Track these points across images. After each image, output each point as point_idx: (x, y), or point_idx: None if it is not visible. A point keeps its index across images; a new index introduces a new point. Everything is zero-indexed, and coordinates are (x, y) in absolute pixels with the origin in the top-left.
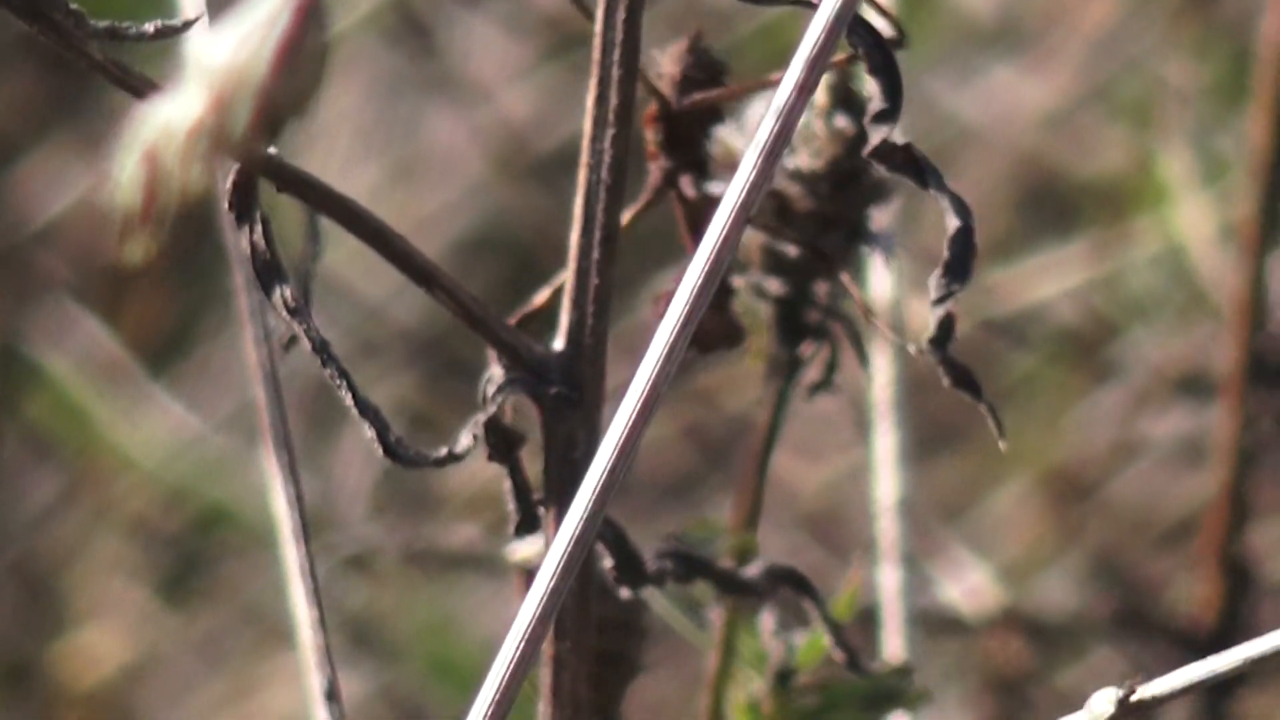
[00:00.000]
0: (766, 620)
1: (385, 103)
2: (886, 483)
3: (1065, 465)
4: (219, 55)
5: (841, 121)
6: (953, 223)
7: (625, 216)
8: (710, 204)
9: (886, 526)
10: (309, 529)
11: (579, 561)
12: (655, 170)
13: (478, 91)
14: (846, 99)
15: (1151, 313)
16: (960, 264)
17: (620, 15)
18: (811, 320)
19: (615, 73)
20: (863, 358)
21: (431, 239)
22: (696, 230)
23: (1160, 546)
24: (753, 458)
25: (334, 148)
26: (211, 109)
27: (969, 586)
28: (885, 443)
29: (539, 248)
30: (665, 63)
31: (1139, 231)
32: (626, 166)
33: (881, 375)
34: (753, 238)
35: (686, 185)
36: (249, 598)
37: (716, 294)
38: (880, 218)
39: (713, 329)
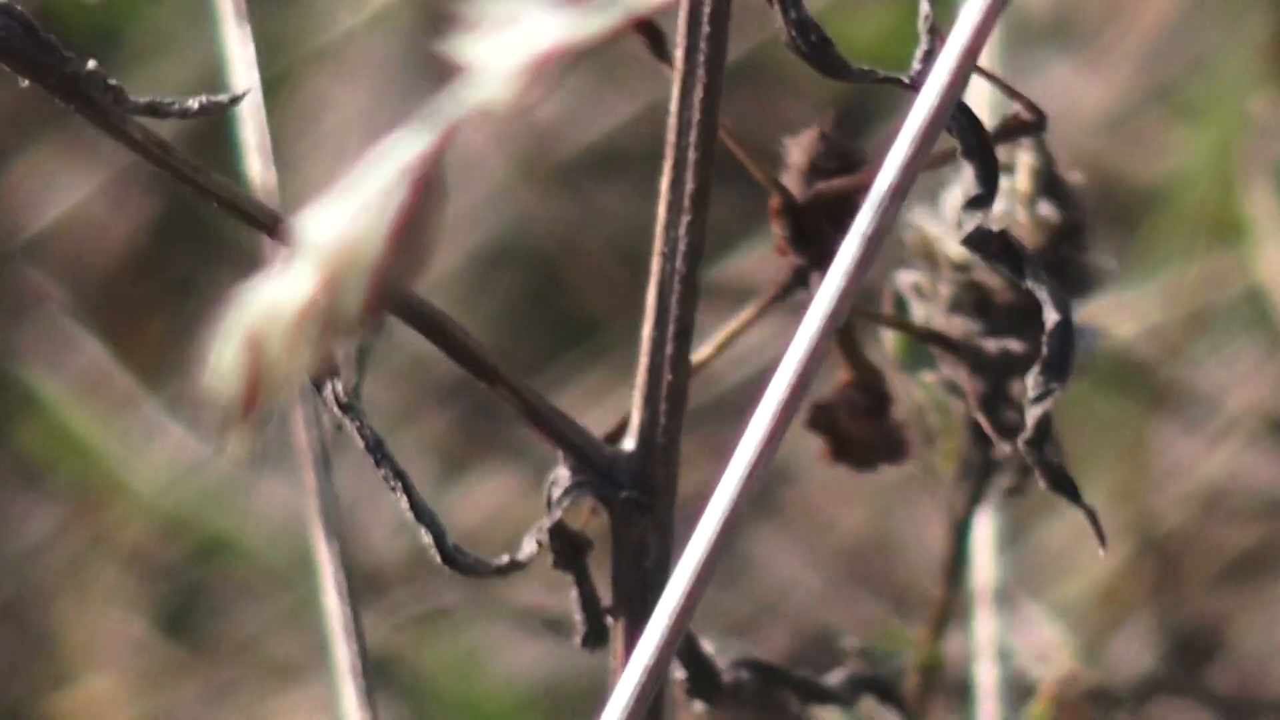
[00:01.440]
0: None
1: (400, 103)
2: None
3: (1143, 510)
4: (331, 231)
5: (1046, 209)
6: (1051, 317)
7: (744, 316)
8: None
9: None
10: (356, 594)
11: (653, 692)
12: (784, 267)
13: None
14: (1051, 185)
15: (1227, 348)
16: (1059, 361)
17: (697, 95)
18: (1009, 420)
19: (692, 155)
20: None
21: (451, 248)
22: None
23: (1233, 595)
24: (944, 567)
25: (345, 151)
26: (323, 289)
27: (1037, 644)
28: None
29: (563, 257)
30: (793, 152)
31: (1216, 258)
32: (702, 255)
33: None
34: (946, 330)
35: (816, 283)
36: (253, 632)
37: (873, 402)
38: (1084, 311)
39: (869, 440)
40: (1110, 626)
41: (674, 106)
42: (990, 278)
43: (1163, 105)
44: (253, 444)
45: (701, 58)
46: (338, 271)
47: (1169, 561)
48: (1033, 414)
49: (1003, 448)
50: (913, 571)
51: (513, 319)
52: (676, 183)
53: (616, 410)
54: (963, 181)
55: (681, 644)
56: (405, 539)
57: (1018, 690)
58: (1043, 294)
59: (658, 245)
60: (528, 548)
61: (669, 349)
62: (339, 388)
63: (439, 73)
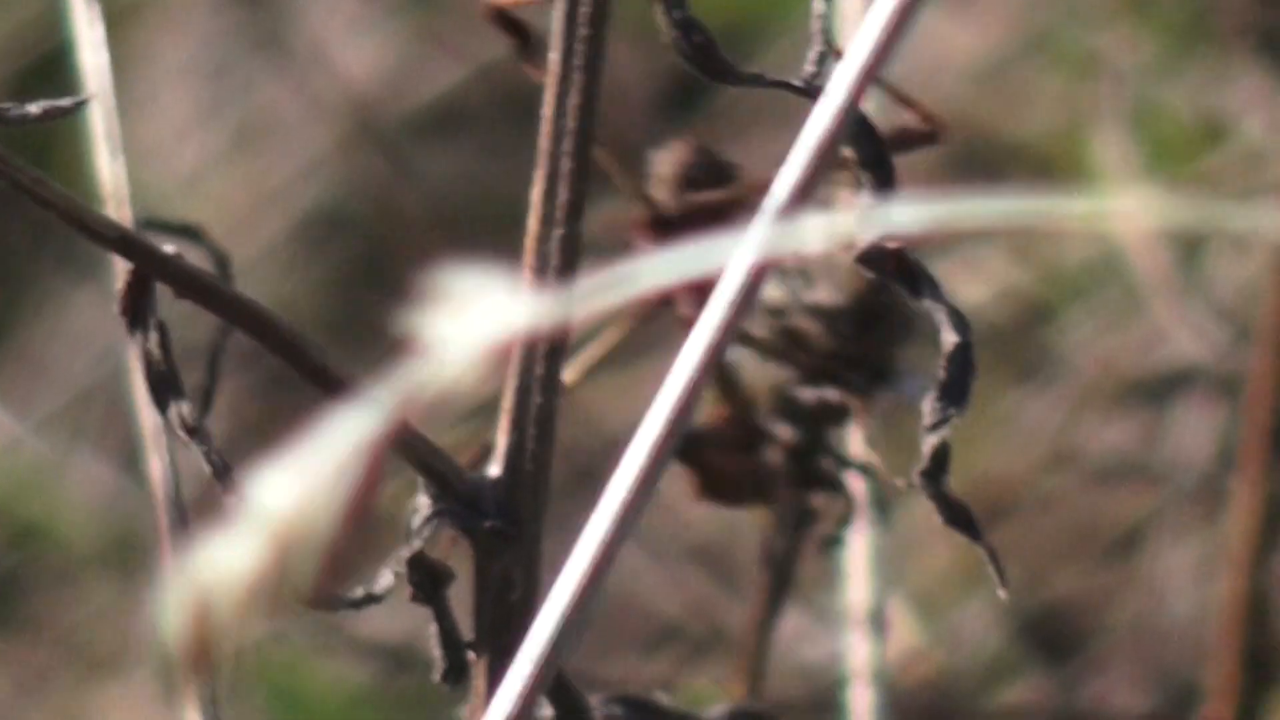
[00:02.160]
0: None
1: (220, 65)
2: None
3: (986, 479)
4: (281, 502)
5: None
6: (950, 339)
7: (614, 333)
8: None
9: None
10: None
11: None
12: None
13: (319, 52)
14: None
15: (1082, 309)
16: (958, 386)
17: (573, 101)
18: (825, 470)
19: (566, 165)
20: (882, 515)
21: (276, 215)
22: None
23: (1094, 567)
24: (755, 619)
25: (166, 116)
26: (272, 560)
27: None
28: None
29: (391, 225)
30: (660, 163)
31: (1069, 221)
32: (576, 270)
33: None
34: (763, 379)
35: (685, 301)
36: (69, 621)
37: (745, 438)
38: (907, 357)
39: (738, 478)
40: (960, 607)
41: (548, 112)
42: (807, 324)
43: (1037, 56)
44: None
45: (578, 61)
46: (288, 544)
47: (1022, 530)
48: (929, 443)
49: (819, 498)
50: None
51: (339, 287)
52: (549, 194)
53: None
54: (858, 195)
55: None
56: None
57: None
58: (941, 315)
59: (528, 259)
60: (384, 580)
61: (538, 369)
62: (184, 410)
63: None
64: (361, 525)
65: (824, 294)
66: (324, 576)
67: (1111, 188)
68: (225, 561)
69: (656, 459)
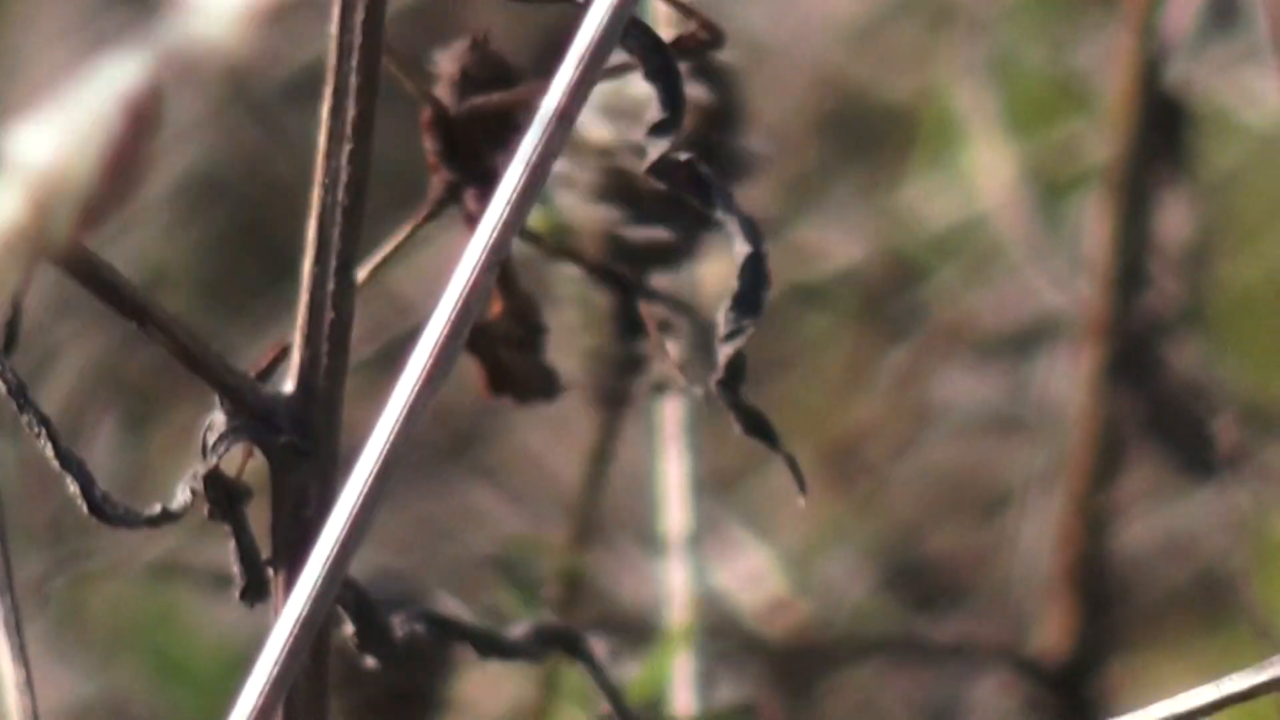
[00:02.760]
0: (594, 648)
1: (93, 27)
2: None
3: (851, 434)
4: (41, 155)
5: (697, 90)
6: (742, 249)
7: (398, 236)
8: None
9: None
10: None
11: (308, 641)
12: (435, 183)
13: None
14: (703, 67)
15: (943, 264)
16: (752, 296)
17: (359, 15)
18: (652, 314)
19: (353, 80)
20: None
21: (153, 179)
22: None
23: (959, 524)
24: (587, 470)
25: (39, 80)
26: (30, 213)
27: (747, 572)
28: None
29: (265, 192)
30: (443, 62)
31: (928, 171)
32: (366, 186)
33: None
34: (590, 221)
35: (471, 199)
36: None
37: (526, 336)
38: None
39: (524, 373)
40: (825, 558)
41: (334, 29)
42: (636, 164)
43: (914, 16)
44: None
45: None
46: (46, 196)
47: (887, 488)
48: (724, 353)
49: (648, 344)
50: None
51: (217, 251)
52: (337, 110)
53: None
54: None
55: (350, 596)
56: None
57: (724, 629)
58: (733, 225)
59: (318, 175)
60: (181, 497)
61: (330, 285)
62: None
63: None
64: (122, 177)
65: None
66: (81, 224)
67: (972, 142)
68: None
69: (440, 358)
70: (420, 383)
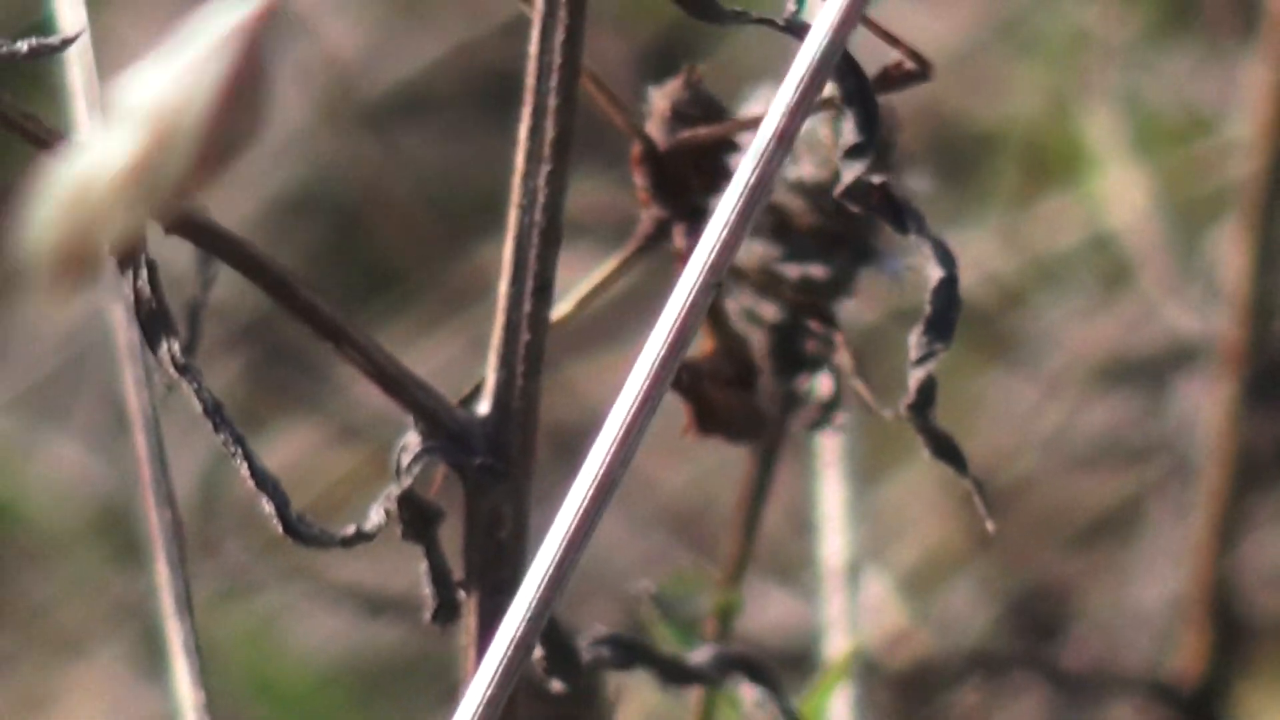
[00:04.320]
0: (748, 690)
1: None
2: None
3: (974, 461)
4: (155, 92)
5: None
6: (935, 273)
7: (605, 270)
8: None
9: (832, 548)
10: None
11: (517, 671)
12: (645, 219)
13: (298, 25)
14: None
15: (1070, 291)
16: (944, 320)
17: (559, 36)
18: (810, 350)
19: (552, 101)
20: (866, 386)
21: (249, 195)
22: None
23: (1078, 551)
24: (743, 505)
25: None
26: (146, 152)
27: (868, 602)
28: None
29: (367, 205)
30: (656, 99)
31: (1057, 199)
32: (563, 207)
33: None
34: (749, 257)
35: (680, 235)
36: (38, 600)
37: (737, 374)
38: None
39: (733, 412)
40: (946, 588)
41: (533, 49)
42: (791, 200)
43: (1006, 43)
44: (73, 299)
45: None
46: (162, 135)
47: (1008, 517)
48: (915, 377)
49: (804, 380)
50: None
51: (317, 266)
52: (535, 130)
53: (422, 360)
54: (844, 131)
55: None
56: (200, 503)
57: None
58: (926, 249)
59: (515, 196)
60: (375, 518)
61: (527, 306)
62: (174, 347)
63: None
64: (238, 113)
65: (807, 170)
66: (198, 165)
67: (1101, 170)
68: (102, 154)
69: (653, 389)
70: (636, 407)
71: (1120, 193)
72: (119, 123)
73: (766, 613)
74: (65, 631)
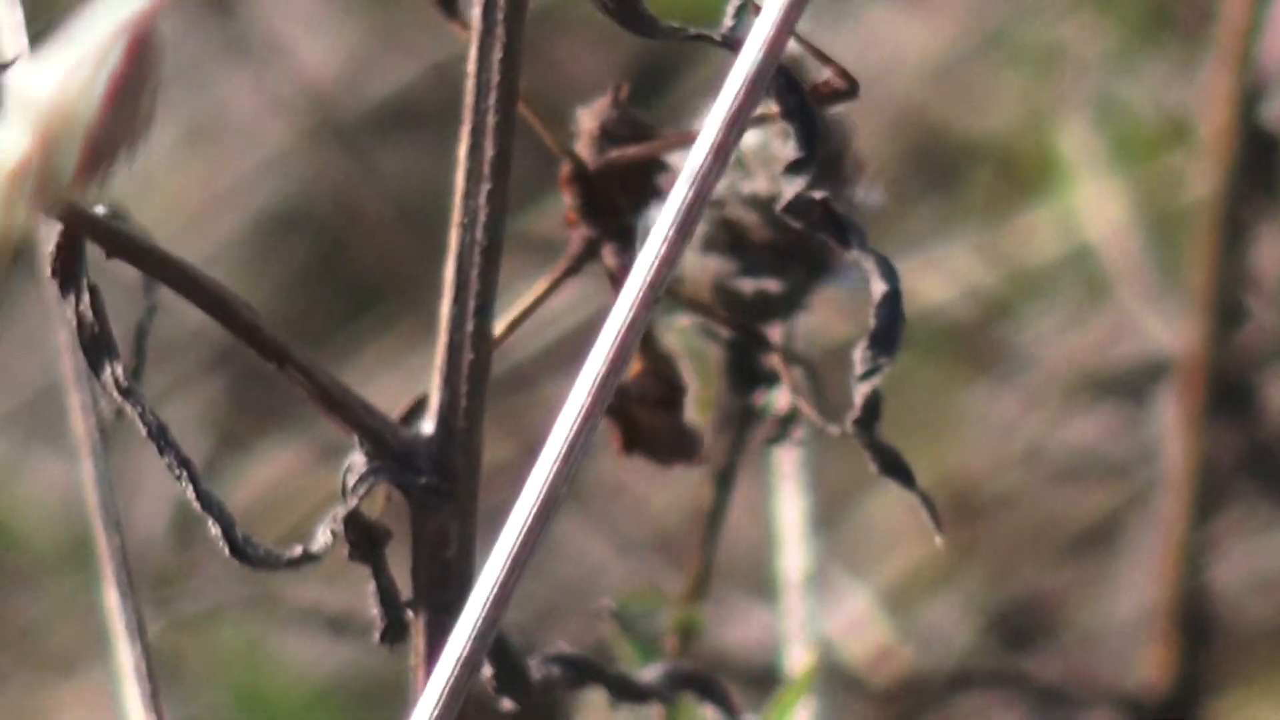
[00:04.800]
0: (706, 707)
1: (177, 59)
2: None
3: (953, 475)
4: (44, 90)
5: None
6: (879, 287)
7: (537, 290)
8: None
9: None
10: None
11: (464, 690)
12: (575, 239)
13: (274, 48)
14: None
15: (1048, 304)
16: (888, 334)
17: (496, 55)
18: (766, 365)
19: (491, 119)
20: (821, 408)
21: (231, 213)
22: None
23: (1059, 564)
24: (701, 521)
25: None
26: (36, 148)
27: (849, 618)
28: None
29: (348, 224)
30: (584, 118)
31: (1035, 211)
32: (504, 226)
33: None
34: (702, 272)
35: (610, 255)
36: (27, 620)
37: (665, 395)
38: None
39: (662, 434)
40: (927, 602)
41: (471, 68)
42: (745, 214)
43: (987, 55)
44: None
45: (500, 15)
46: (51, 131)
47: (989, 530)
48: (860, 391)
49: (760, 395)
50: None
51: (298, 285)
52: (475, 149)
53: (405, 378)
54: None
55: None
56: (176, 525)
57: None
58: (869, 264)
59: (456, 215)
60: (321, 538)
61: (469, 325)
62: (118, 371)
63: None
64: (125, 110)
65: (762, 184)
66: (87, 162)
67: (1078, 182)
68: None
69: (594, 406)
70: (578, 424)
71: (1098, 205)
72: (9, 116)
73: (739, 627)
74: (55, 650)
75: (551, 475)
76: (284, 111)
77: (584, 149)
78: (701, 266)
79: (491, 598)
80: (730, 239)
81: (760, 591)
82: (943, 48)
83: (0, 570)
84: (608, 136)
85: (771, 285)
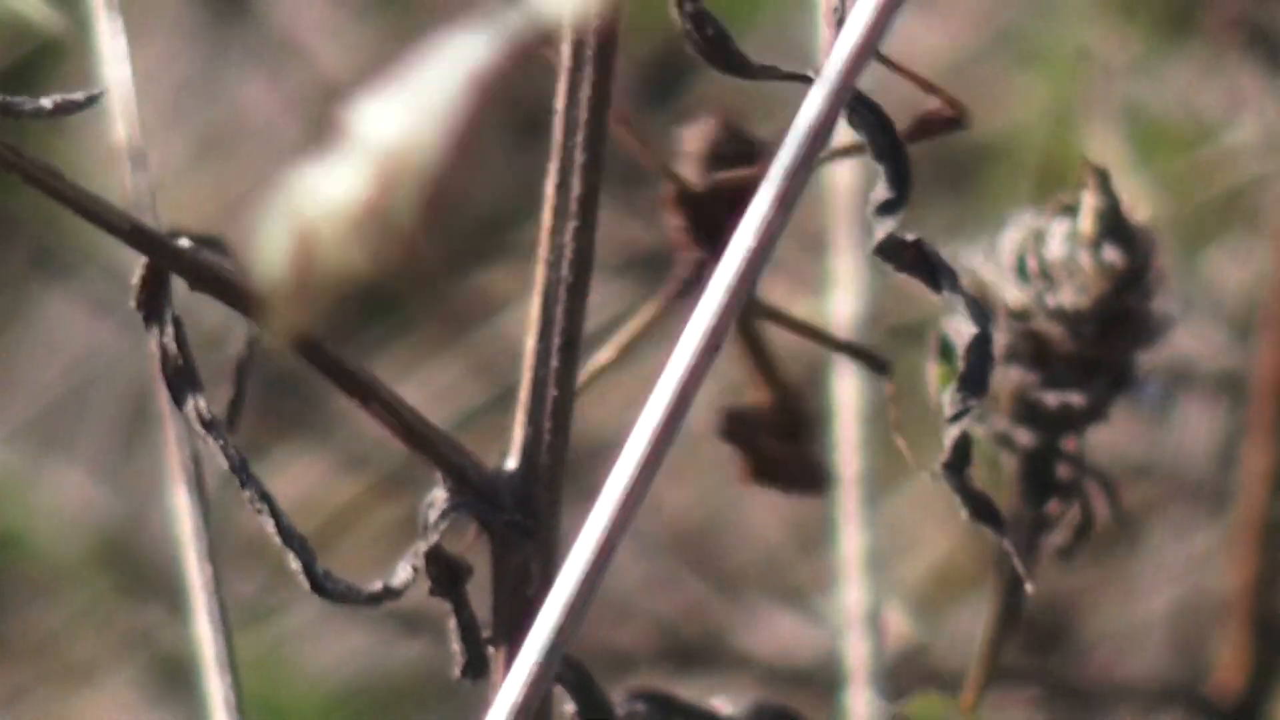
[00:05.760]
0: None
1: (191, 64)
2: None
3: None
4: (386, 134)
5: (1112, 254)
6: (968, 330)
7: (646, 314)
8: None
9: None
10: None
11: (532, 712)
12: (683, 262)
13: (290, 52)
14: (1117, 227)
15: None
16: (977, 376)
17: (585, 92)
18: (1062, 476)
19: (579, 157)
20: (1119, 517)
21: (247, 219)
22: (745, 335)
23: (1081, 567)
24: (991, 631)
25: (135, 116)
26: (376, 193)
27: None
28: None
29: None
30: (689, 140)
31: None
32: (590, 264)
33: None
34: (1004, 382)
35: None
36: (47, 631)
37: (791, 425)
38: (1147, 362)
39: (787, 465)
40: (952, 603)
41: (560, 104)
42: (1050, 327)
43: (1005, 53)
44: (299, 324)
45: (590, 53)
46: (392, 176)
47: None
48: (949, 435)
49: (1054, 505)
50: (741, 554)
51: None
52: (562, 186)
53: (420, 387)
54: (877, 185)
55: (570, 675)
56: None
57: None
58: (959, 306)
59: (542, 252)
60: (403, 573)
61: (554, 362)
62: (200, 404)
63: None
64: (464, 159)
65: (1068, 297)
66: (425, 209)
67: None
68: (328, 193)
69: (660, 441)
70: (643, 456)
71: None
72: (347, 158)
73: (761, 631)
74: (74, 661)
75: (616, 507)
76: (299, 116)
77: (689, 170)
78: (1003, 376)
79: (553, 633)
80: (1034, 351)
81: (781, 594)
82: (962, 48)
83: (16, 581)
84: (714, 157)
85: (1075, 398)
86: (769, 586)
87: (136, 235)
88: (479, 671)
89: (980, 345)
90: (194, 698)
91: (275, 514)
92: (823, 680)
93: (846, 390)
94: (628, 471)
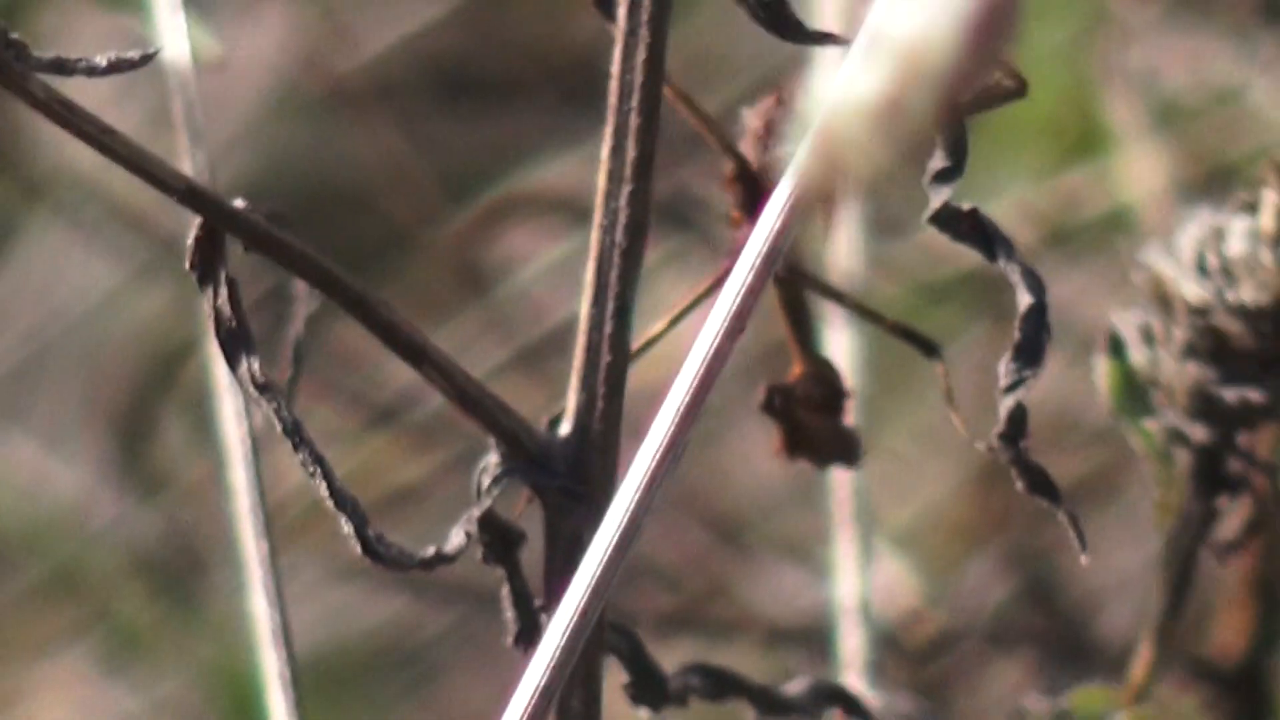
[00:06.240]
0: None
1: (140, 37)
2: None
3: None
4: (906, 30)
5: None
6: (1024, 299)
7: (700, 288)
8: (803, 280)
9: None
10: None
11: (570, 666)
12: (739, 238)
13: (240, 22)
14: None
15: (1087, 266)
16: (1033, 346)
17: (640, 56)
18: (1233, 471)
19: (634, 121)
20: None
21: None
22: (790, 309)
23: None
24: (1154, 621)
25: (87, 90)
26: (896, 89)
27: (883, 582)
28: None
29: (316, 197)
30: (751, 118)
31: (1076, 174)
32: (645, 229)
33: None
34: (1181, 377)
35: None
36: (5, 602)
37: (827, 399)
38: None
39: (824, 436)
40: (955, 560)
41: (615, 69)
42: (1229, 323)
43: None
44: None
45: (645, 15)
46: (912, 71)
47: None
48: (1005, 405)
49: (1224, 501)
50: (740, 501)
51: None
52: (617, 150)
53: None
54: (935, 156)
55: (625, 646)
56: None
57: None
58: (1016, 276)
59: (597, 217)
60: (456, 539)
61: (608, 328)
62: (254, 366)
63: None
64: (982, 52)
65: (1248, 293)
66: (944, 104)
67: (1120, 147)
68: (854, 87)
69: (684, 421)
70: (677, 418)
71: (1139, 169)
72: (871, 56)
73: (765, 586)
74: (28, 634)
75: (653, 464)
76: (267, 77)
77: (749, 148)
78: (1180, 372)
79: (588, 592)
80: (1213, 347)
81: (784, 549)
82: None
83: None
84: (775, 136)
85: (1254, 394)
86: (769, 539)
87: (191, 195)
88: (532, 638)
89: (1035, 315)
90: (149, 671)
91: (328, 476)
92: (823, 634)
93: (839, 343)
94: (652, 452)
